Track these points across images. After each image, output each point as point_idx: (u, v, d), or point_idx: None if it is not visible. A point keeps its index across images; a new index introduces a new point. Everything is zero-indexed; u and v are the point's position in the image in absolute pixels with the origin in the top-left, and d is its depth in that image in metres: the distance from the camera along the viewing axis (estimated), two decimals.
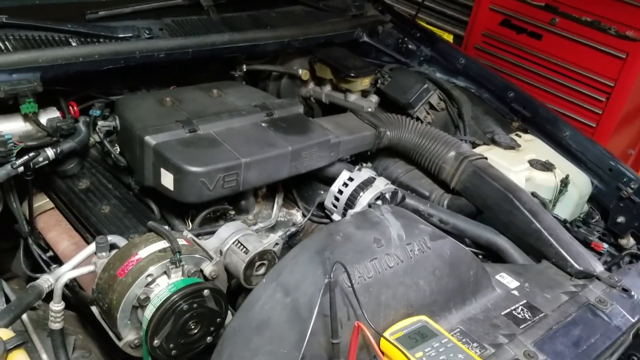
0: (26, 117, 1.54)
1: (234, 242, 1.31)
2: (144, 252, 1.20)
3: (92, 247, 1.29)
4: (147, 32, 1.75)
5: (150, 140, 1.44)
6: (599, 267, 1.55)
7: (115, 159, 1.61)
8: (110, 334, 1.20)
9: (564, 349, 1.28)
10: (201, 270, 1.25)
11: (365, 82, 2.18)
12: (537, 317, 1.36)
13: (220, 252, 1.31)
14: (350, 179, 1.67)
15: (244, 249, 1.29)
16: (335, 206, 1.67)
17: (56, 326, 1.22)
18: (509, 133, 2.19)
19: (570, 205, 1.96)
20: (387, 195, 1.64)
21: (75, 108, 1.66)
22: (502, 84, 2.35)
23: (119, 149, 1.65)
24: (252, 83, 2.19)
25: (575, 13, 3.35)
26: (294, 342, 1.06)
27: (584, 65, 3.32)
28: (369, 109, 2.13)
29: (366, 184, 1.63)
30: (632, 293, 1.47)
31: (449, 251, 1.33)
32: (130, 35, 1.73)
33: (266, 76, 2.30)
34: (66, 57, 1.55)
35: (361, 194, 1.62)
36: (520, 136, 2.15)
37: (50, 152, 1.56)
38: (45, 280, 1.22)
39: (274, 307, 1.11)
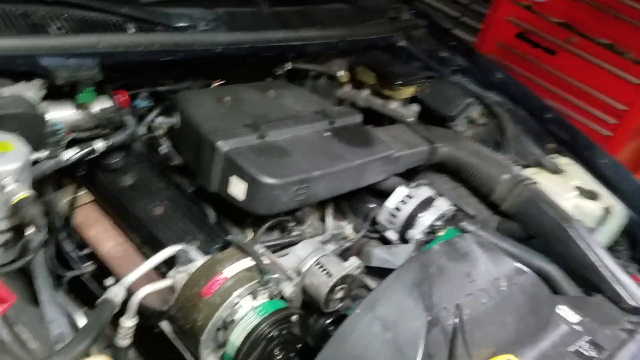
0: (79, 106, 1.42)
1: (314, 263, 1.24)
2: (229, 271, 1.13)
3: (160, 255, 1.21)
4: (204, 23, 1.64)
5: (223, 145, 1.35)
6: None
7: (168, 158, 1.51)
8: (186, 354, 1.13)
9: None
10: (279, 291, 1.18)
11: (409, 91, 2.13)
12: (604, 356, 1.36)
13: (298, 272, 1.24)
14: (409, 196, 1.62)
15: (326, 271, 1.23)
16: (391, 223, 1.62)
17: (124, 343, 1.14)
18: (546, 155, 2.19)
19: (608, 235, 1.97)
20: (448, 216, 1.60)
21: (125, 97, 1.55)
22: (539, 103, 2.34)
23: (171, 146, 1.55)
24: (290, 81, 2.10)
25: (592, 33, 3.38)
26: None
27: (597, 87, 3.36)
28: (411, 119, 2.09)
29: (427, 203, 1.59)
30: None
31: (530, 287, 1.31)
32: (187, 24, 1.62)
33: (304, 75, 2.21)
34: (127, 44, 1.44)
35: (422, 214, 1.57)
36: (556, 158, 2.14)
37: (101, 145, 1.45)
38: (115, 294, 1.12)
39: (372, 341, 1.06)
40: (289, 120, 1.54)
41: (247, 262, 1.14)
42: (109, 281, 1.30)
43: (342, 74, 2.18)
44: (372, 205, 1.73)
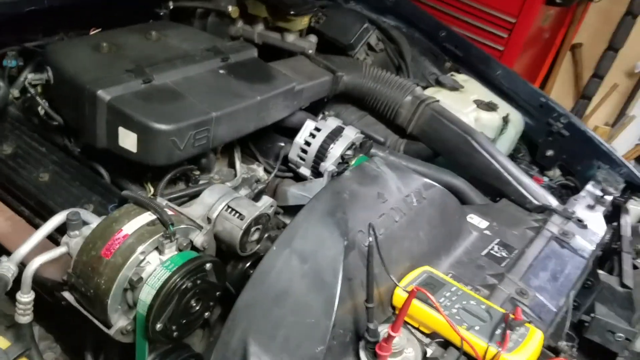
0: None
1: (224, 208, 1.18)
2: (129, 228, 1.04)
3: (50, 223, 1.09)
4: None
5: (104, 94, 1.23)
6: (554, 201, 1.66)
7: (48, 118, 1.36)
8: (96, 322, 1.05)
9: (546, 283, 1.36)
10: (190, 241, 1.12)
11: (304, 21, 2.05)
12: (514, 254, 1.43)
13: (208, 219, 1.18)
14: (317, 129, 1.58)
15: (238, 214, 1.17)
16: (302, 159, 1.58)
17: (25, 319, 1.04)
18: (444, 73, 2.22)
19: (508, 143, 2.06)
20: (358, 144, 1.58)
21: None
22: (433, 22, 2.35)
23: (48, 105, 1.40)
24: (176, 22, 1.95)
25: None
26: (321, 310, 1.00)
27: (486, 2, 3.43)
28: (310, 51, 2.02)
29: (335, 133, 1.56)
30: (585, 223, 1.59)
31: (439, 199, 1.33)
32: None
33: (190, 14, 2.06)
34: None
35: (332, 145, 1.54)
36: (454, 76, 2.18)
37: None
38: (7, 269, 1.01)
39: (291, 275, 1.03)
40: (177, 61, 1.42)
41: (148, 217, 1.05)
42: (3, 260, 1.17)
43: (231, 9, 2.05)
44: (281, 144, 1.67)
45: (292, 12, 1.97)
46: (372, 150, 1.71)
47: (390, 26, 2.28)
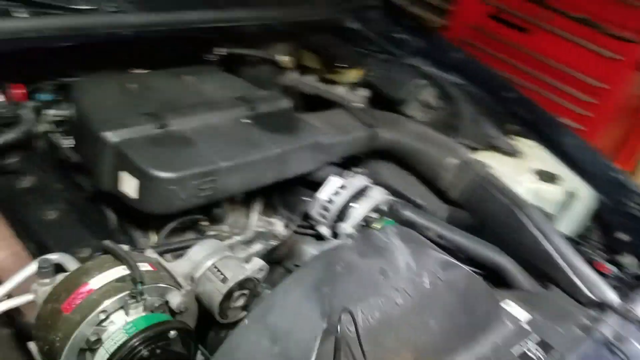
0: None
1: (209, 267, 1.08)
2: (96, 282, 0.96)
3: (32, 267, 1.05)
4: (112, 3, 1.48)
5: (110, 136, 1.20)
6: (613, 297, 1.40)
7: (65, 156, 1.36)
8: None
9: None
10: (166, 302, 1.03)
11: (355, 74, 1.97)
12: (553, 358, 1.20)
13: (192, 278, 1.09)
14: (343, 187, 1.46)
15: (222, 276, 1.07)
16: (323, 217, 1.47)
17: None
18: (506, 137, 2.02)
19: (575, 221, 1.81)
20: (384, 207, 1.44)
21: (22, 91, 1.40)
22: (500, 82, 2.18)
23: (70, 142, 1.39)
24: (228, 70, 1.94)
25: (566, 8, 3.22)
26: None
27: (574, 65, 3.19)
28: (358, 104, 1.92)
29: (361, 193, 1.43)
30: None
31: (462, 283, 1.15)
32: (91, 7, 1.46)
33: (243, 61, 2.06)
34: (9, 30, 1.28)
35: (355, 205, 1.41)
36: (518, 141, 1.98)
37: None
38: None
39: (258, 357, 0.90)
40: (200, 107, 1.38)
41: (121, 271, 0.98)
42: None
43: (285, 59, 2.02)
44: (306, 198, 1.57)
45: (342, 65, 1.90)
46: (407, 213, 1.56)
47: (450, 83, 2.14)
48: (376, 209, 1.43)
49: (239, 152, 1.29)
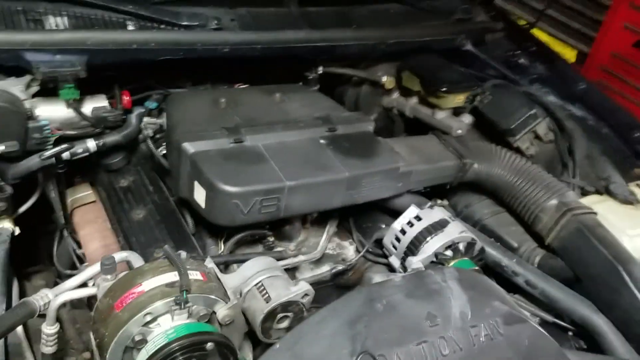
0: (69, 104, 1.42)
1: (256, 284, 1.08)
2: (148, 284, 1.01)
3: (94, 267, 1.13)
4: (215, 22, 1.57)
5: (189, 147, 1.26)
6: None
7: (158, 161, 1.45)
8: None
9: None
10: (214, 312, 1.04)
11: (459, 99, 1.87)
12: None
13: (240, 293, 1.10)
14: (418, 218, 1.39)
15: (266, 295, 1.06)
16: (395, 247, 1.40)
17: (48, 350, 1.08)
18: (629, 182, 1.78)
19: None
20: (461, 246, 1.34)
21: (127, 98, 1.53)
22: (627, 119, 1.93)
23: (165, 150, 1.49)
24: (328, 88, 1.95)
25: None
26: None
27: None
28: (459, 131, 1.82)
29: (436, 227, 1.35)
30: None
31: (527, 340, 1.02)
32: (196, 24, 1.56)
33: (345, 81, 2.06)
34: (118, 41, 1.40)
35: (428, 238, 1.33)
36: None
37: (91, 144, 1.44)
38: (41, 297, 1.07)
39: None
40: (278, 125, 1.40)
41: (172, 277, 1.02)
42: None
43: (386, 80, 1.99)
44: (383, 225, 1.52)
45: (442, 89, 1.82)
46: (493, 253, 1.44)
47: (567, 115, 1.95)
48: (452, 246, 1.33)
49: (306, 173, 1.28)
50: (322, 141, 1.39)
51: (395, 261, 1.40)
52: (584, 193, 1.68)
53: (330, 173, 1.30)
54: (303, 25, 1.73)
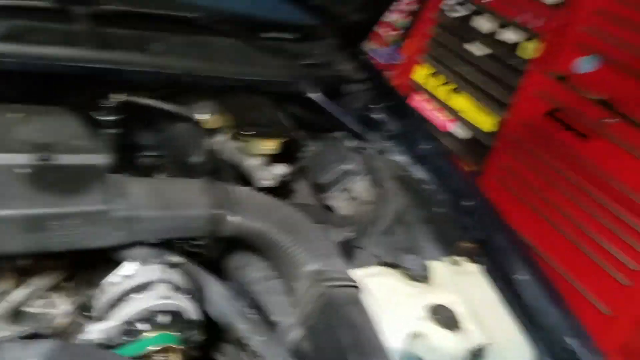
0: None
1: None
2: None
3: None
4: None
5: None
6: None
7: None
8: None
9: None
10: None
11: (269, 146, 1.65)
12: None
13: None
14: (127, 276, 1.13)
15: None
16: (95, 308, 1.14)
17: None
18: (452, 254, 1.54)
19: None
20: (160, 317, 1.08)
21: None
22: (465, 186, 1.72)
23: None
24: (134, 120, 1.70)
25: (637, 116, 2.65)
26: None
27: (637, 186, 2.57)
28: (264, 182, 1.59)
29: (136, 290, 1.09)
30: None
31: None
32: None
33: (155, 115, 1.80)
34: None
35: (120, 305, 1.07)
36: (459, 264, 1.49)
37: None
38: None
39: None
40: None
41: None
42: None
43: (206, 117, 1.76)
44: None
45: (244, 132, 1.60)
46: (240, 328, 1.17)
47: (396, 176, 1.72)
48: (147, 319, 1.06)
49: None
50: (18, 170, 1.15)
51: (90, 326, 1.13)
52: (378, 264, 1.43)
53: (6, 209, 1.05)
54: (87, 45, 1.52)
